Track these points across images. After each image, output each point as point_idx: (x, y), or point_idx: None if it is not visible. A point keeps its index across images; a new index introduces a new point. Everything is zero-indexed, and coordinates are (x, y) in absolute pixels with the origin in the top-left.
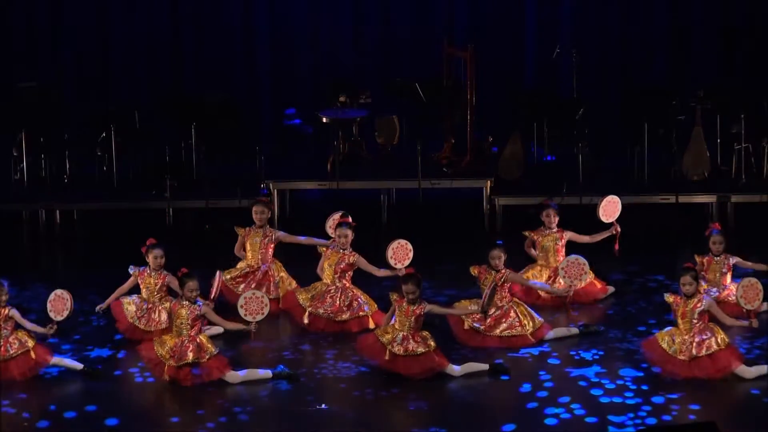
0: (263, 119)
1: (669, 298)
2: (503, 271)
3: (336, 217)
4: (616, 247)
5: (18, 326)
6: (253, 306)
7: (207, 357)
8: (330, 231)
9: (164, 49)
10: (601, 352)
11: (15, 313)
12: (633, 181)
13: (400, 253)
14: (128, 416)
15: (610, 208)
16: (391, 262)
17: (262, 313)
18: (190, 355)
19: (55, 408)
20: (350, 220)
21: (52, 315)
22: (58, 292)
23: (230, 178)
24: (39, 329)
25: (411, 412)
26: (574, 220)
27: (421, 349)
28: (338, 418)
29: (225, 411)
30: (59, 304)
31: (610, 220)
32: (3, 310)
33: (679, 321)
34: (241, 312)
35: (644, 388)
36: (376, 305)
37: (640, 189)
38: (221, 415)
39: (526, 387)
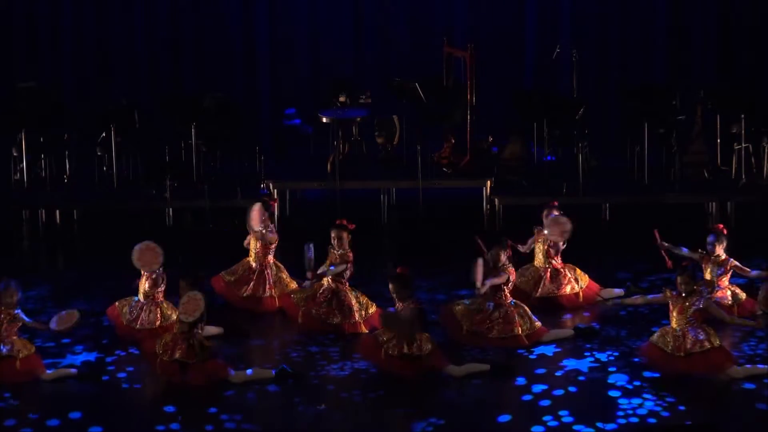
0: (263, 119)
1: (668, 293)
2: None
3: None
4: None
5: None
6: (191, 306)
7: (195, 360)
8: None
9: (164, 49)
10: (617, 353)
11: (20, 314)
12: (633, 181)
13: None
14: (113, 424)
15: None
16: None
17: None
18: (178, 353)
19: (37, 417)
20: (344, 222)
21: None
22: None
23: (230, 178)
24: (41, 326)
25: (400, 413)
26: (575, 220)
27: (404, 353)
28: (326, 421)
29: (212, 418)
30: (66, 320)
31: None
32: (11, 312)
33: (674, 316)
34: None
35: (646, 387)
36: (374, 305)
37: (640, 189)
38: (208, 423)
39: (521, 381)
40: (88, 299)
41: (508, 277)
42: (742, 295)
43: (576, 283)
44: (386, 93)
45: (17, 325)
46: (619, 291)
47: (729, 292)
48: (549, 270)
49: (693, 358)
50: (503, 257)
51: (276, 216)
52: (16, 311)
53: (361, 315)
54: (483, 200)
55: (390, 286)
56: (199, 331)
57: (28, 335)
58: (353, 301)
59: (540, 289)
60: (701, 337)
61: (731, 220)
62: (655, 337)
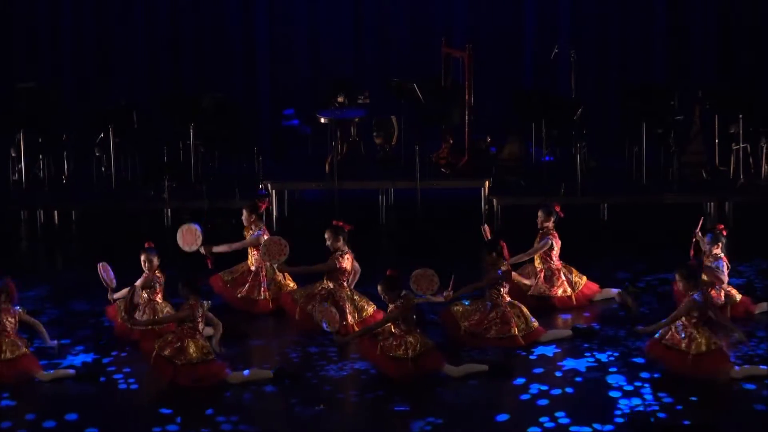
0: (262, 119)
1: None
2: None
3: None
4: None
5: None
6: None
7: (183, 361)
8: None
9: (164, 49)
10: (616, 353)
11: (21, 313)
12: (632, 181)
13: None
14: (109, 425)
15: (189, 237)
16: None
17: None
18: (167, 350)
19: (33, 418)
20: (339, 223)
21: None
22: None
23: (229, 179)
24: (45, 338)
25: (395, 413)
26: (573, 221)
27: (396, 353)
28: (324, 421)
29: (208, 420)
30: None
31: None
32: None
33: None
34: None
35: (645, 387)
36: (373, 306)
37: (639, 189)
38: (204, 426)
39: (519, 380)
40: (88, 299)
41: (498, 278)
42: (737, 296)
43: (570, 285)
44: (385, 93)
45: (11, 324)
46: (617, 291)
47: (723, 293)
48: (544, 270)
49: (684, 359)
50: (491, 258)
51: (274, 216)
52: (13, 310)
53: (354, 318)
54: (481, 200)
55: (378, 288)
56: (199, 332)
57: (28, 335)
58: (347, 304)
59: (533, 288)
60: (682, 336)
61: (729, 220)
62: (658, 334)
